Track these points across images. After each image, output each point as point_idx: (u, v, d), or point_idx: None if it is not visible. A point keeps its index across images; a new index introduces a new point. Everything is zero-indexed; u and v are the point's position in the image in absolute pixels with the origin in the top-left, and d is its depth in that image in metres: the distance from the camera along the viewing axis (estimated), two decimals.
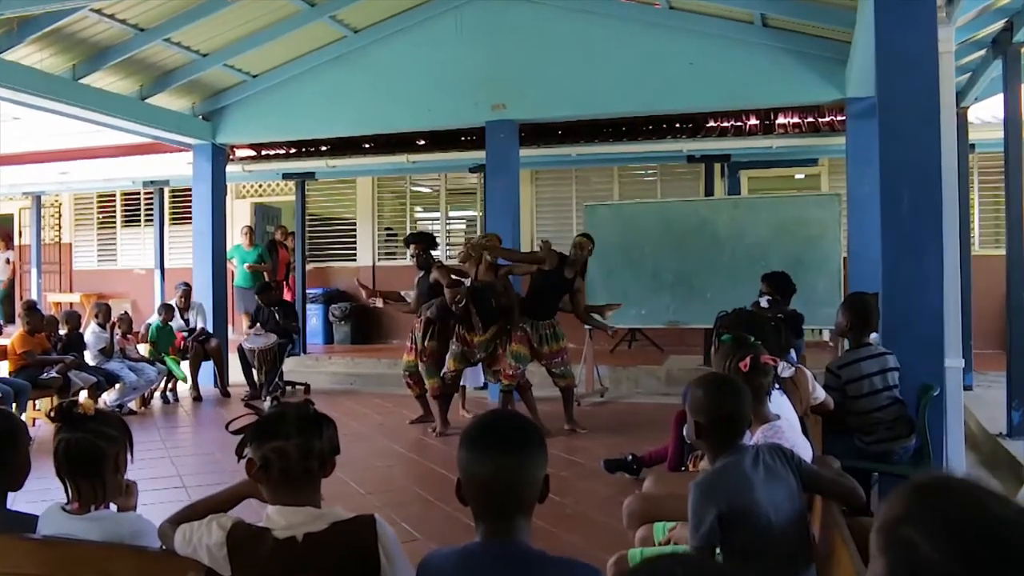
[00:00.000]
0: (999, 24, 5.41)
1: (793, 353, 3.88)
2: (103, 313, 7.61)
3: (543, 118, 8.49)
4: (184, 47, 7.87)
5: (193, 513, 1.80)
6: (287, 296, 10.33)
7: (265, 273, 10.30)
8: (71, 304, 12.05)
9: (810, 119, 9.35)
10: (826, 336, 8.93)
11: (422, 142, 10.30)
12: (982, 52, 6.02)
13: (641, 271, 8.13)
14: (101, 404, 6.84)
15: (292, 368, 8.86)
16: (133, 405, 7.42)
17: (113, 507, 1.96)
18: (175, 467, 5.35)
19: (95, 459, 1.90)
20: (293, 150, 10.86)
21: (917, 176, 4.05)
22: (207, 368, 8.44)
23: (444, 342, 6.45)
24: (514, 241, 7.66)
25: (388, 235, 11.92)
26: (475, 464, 1.48)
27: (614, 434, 6.23)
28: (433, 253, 6.92)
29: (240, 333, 9.34)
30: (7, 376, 6.58)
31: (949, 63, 4.48)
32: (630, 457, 4.87)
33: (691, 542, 1.99)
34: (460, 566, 1.48)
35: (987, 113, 7.91)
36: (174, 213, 12.12)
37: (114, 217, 13.10)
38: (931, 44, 4.10)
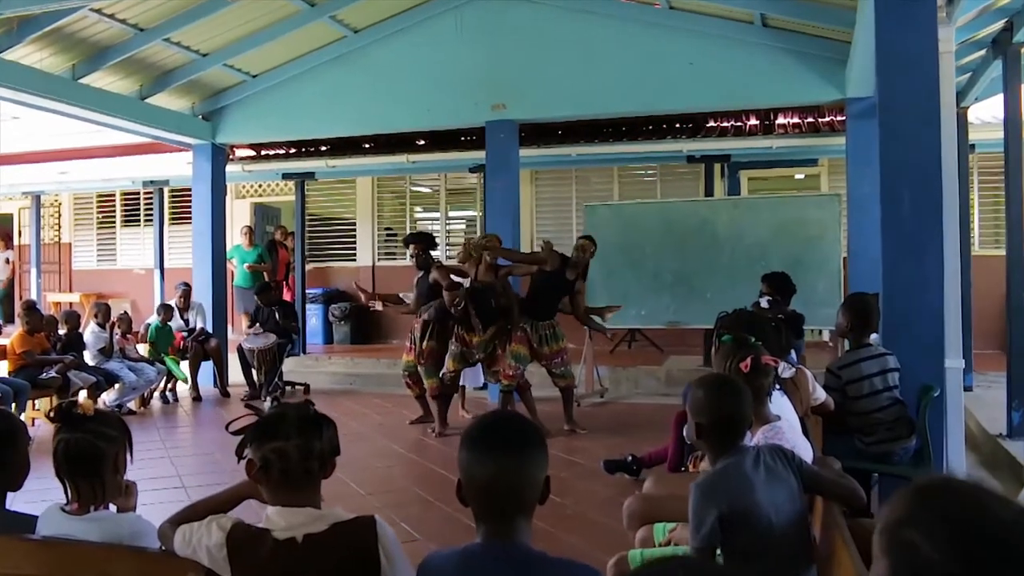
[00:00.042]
0: (999, 24, 5.41)
1: (793, 354, 3.88)
2: (102, 313, 7.61)
3: (543, 118, 8.48)
4: (184, 47, 7.87)
5: (193, 514, 1.79)
6: (287, 296, 10.33)
7: (265, 273, 10.30)
8: (70, 304, 12.04)
9: (810, 119, 9.35)
10: (826, 336, 8.93)
11: (422, 142, 10.30)
12: (982, 52, 6.01)
13: (641, 271, 8.13)
14: (100, 404, 6.83)
15: (292, 368, 8.86)
16: (132, 405, 7.42)
17: (112, 508, 1.96)
18: (174, 467, 5.35)
19: (94, 459, 1.89)
20: (293, 150, 10.86)
21: (917, 176, 4.05)
22: (207, 368, 8.43)
23: (443, 342, 6.45)
24: (514, 241, 7.65)
25: (388, 235, 11.91)
26: (476, 465, 1.48)
27: (614, 435, 6.22)
28: (432, 253, 6.91)
29: (240, 333, 9.33)
30: (6, 376, 6.57)
31: (949, 63, 4.48)
32: (630, 458, 4.87)
33: (692, 543, 1.98)
34: (461, 567, 1.47)
35: (987, 113, 7.91)
36: (174, 213, 12.12)
37: (114, 217, 13.10)
38: (931, 44, 4.09)
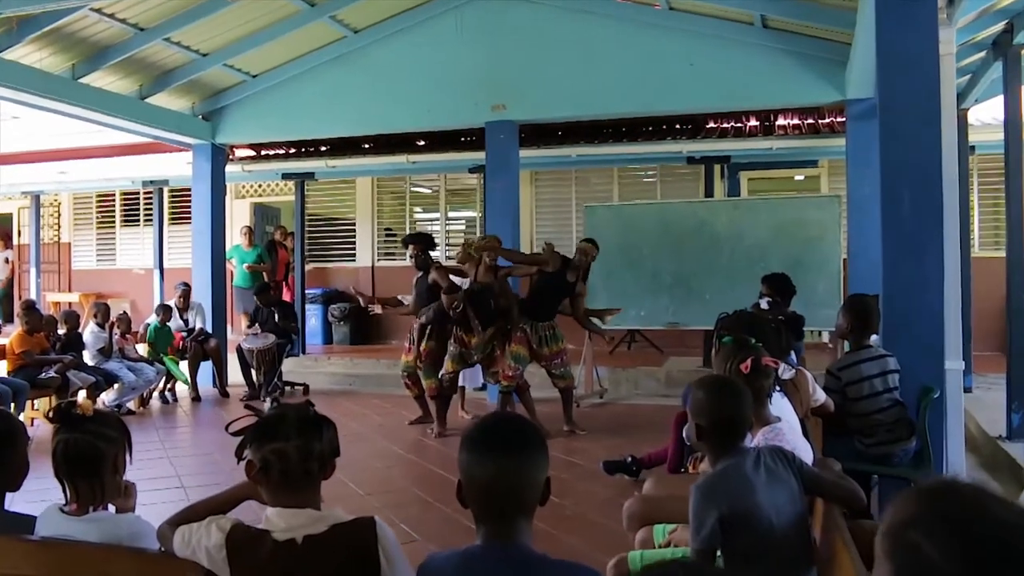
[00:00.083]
0: (999, 26, 5.42)
1: (793, 355, 3.88)
2: (102, 313, 7.60)
3: (543, 119, 8.48)
4: (184, 47, 7.87)
5: (192, 515, 1.79)
6: (286, 296, 10.33)
7: (264, 273, 10.30)
8: (70, 304, 12.03)
9: (810, 120, 9.35)
10: (825, 338, 8.92)
11: (422, 142, 10.29)
12: (982, 54, 6.02)
13: (640, 272, 8.13)
14: (99, 404, 6.83)
15: (291, 368, 8.85)
16: (132, 405, 7.41)
17: (112, 508, 1.95)
18: (174, 467, 5.34)
19: (94, 460, 1.89)
20: (293, 150, 10.85)
21: (918, 177, 4.04)
22: (206, 368, 8.43)
23: (442, 343, 6.44)
24: (514, 242, 7.65)
25: (387, 236, 11.91)
26: (476, 466, 1.47)
27: (613, 435, 6.22)
28: (432, 254, 6.91)
29: (239, 333, 9.33)
30: (6, 376, 6.57)
31: (950, 64, 4.48)
32: (629, 459, 4.86)
33: (692, 545, 1.98)
34: (461, 569, 1.47)
35: (987, 115, 7.91)
36: (173, 213, 12.11)
37: (113, 217, 13.09)
38: (932, 45, 4.09)
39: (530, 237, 10.49)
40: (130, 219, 13.05)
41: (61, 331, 7.29)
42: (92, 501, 1.90)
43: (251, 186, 12.30)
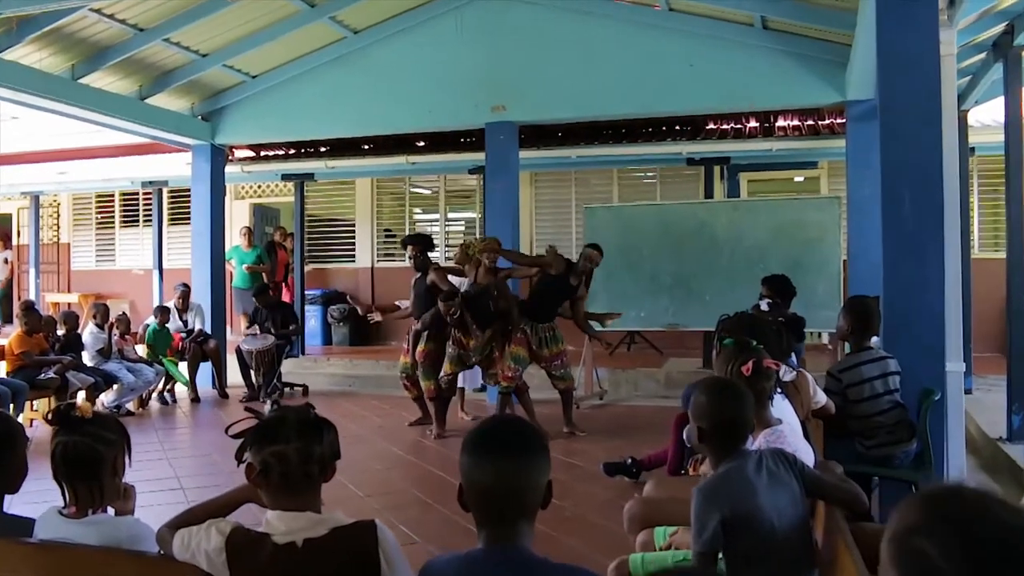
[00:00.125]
0: (1000, 27, 5.41)
1: (793, 357, 3.87)
2: (101, 314, 7.59)
3: (543, 120, 8.48)
4: (184, 47, 7.87)
5: (192, 518, 1.78)
6: (286, 297, 10.32)
7: (264, 274, 10.29)
8: (69, 304, 12.02)
9: (810, 122, 9.34)
10: (825, 339, 8.92)
11: (421, 143, 10.29)
12: (983, 55, 6.01)
13: (640, 273, 8.12)
14: (99, 405, 6.82)
15: (290, 369, 8.85)
16: (131, 406, 7.40)
17: (111, 511, 1.95)
18: (173, 469, 5.33)
19: (93, 463, 1.88)
20: (292, 151, 10.84)
21: (918, 178, 4.04)
22: (205, 369, 8.42)
23: (441, 344, 6.43)
24: (513, 243, 7.64)
25: (387, 237, 11.91)
26: (477, 469, 1.47)
27: (613, 437, 6.21)
28: (431, 255, 6.90)
29: (238, 334, 9.32)
30: (4, 377, 6.56)
31: (950, 66, 4.48)
32: (629, 460, 4.86)
33: (694, 547, 1.97)
34: (462, 573, 1.46)
35: (987, 116, 7.92)
36: (173, 213, 12.10)
37: (113, 217, 13.08)
38: (932, 46, 4.09)
39: (530, 238, 10.49)
40: (129, 220, 13.04)
41: (60, 332, 7.27)
42: (91, 504, 1.89)
43: (250, 187, 12.29)
